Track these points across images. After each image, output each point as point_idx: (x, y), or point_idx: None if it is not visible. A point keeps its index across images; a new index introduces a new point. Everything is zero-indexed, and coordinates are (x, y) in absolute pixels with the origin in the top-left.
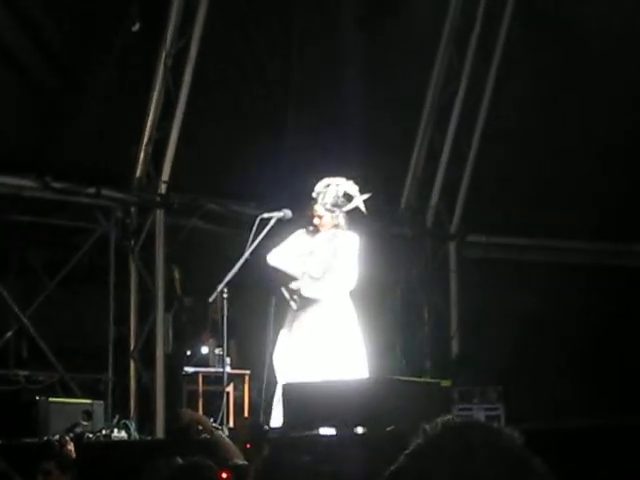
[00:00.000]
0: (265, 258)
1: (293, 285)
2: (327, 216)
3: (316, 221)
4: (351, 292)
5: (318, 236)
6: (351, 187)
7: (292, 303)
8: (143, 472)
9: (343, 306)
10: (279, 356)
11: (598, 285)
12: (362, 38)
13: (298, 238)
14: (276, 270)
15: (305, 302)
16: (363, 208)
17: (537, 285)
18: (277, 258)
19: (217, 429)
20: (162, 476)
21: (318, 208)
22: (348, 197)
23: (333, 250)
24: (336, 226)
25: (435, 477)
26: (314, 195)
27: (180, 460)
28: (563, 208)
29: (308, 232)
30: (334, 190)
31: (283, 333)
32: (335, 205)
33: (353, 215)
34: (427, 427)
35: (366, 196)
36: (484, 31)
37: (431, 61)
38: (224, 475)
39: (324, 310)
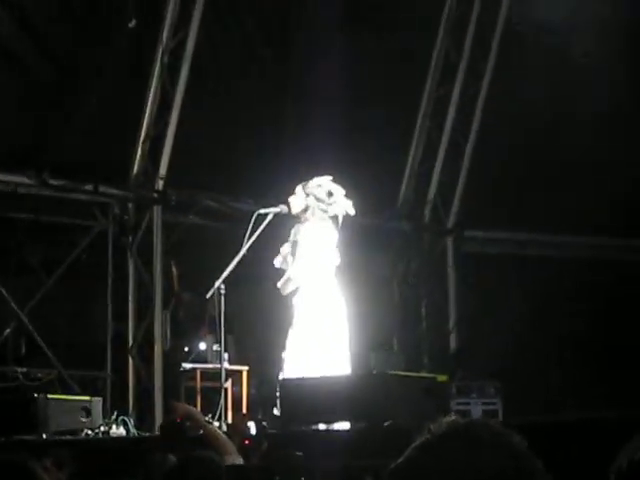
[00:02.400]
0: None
1: (278, 284)
2: (306, 214)
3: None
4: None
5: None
6: (334, 188)
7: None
8: (139, 468)
9: (330, 298)
10: (286, 351)
11: (596, 279)
12: (359, 33)
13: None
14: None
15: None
16: (343, 211)
17: (535, 279)
18: (278, 260)
19: (210, 423)
20: (163, 470)
21: (295, 205)
22: (329, 195)
23: (305, 242)
24: (313, 219)
25: (442, 472)
26: (294, 194)
27: (173, 458)
28: (562, 203)
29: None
30: (315, 190)
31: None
32: (312, 206)
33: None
34: (432, 425)
35: (348, 202)
36: (481, 23)
37: (428, 55)
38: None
39: (313, 302)
